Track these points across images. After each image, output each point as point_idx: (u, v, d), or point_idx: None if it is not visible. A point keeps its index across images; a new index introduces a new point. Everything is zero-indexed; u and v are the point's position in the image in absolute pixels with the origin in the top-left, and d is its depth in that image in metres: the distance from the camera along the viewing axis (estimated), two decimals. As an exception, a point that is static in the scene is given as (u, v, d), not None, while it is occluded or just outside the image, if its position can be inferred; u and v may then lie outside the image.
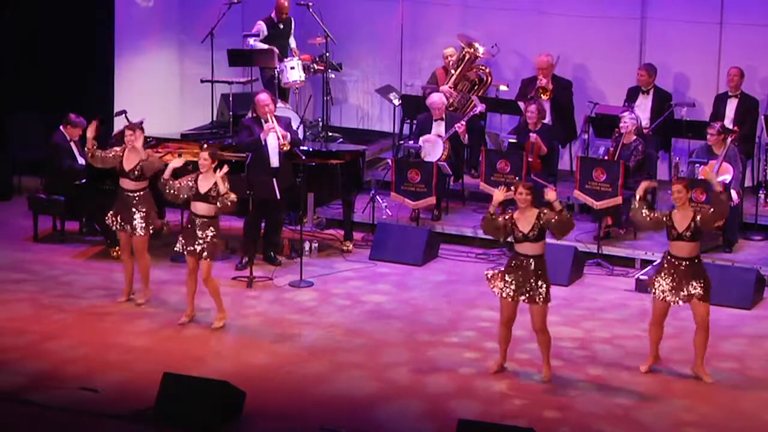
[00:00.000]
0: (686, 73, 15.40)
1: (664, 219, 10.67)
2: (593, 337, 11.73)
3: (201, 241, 11.55)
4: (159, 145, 14.24)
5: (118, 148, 12.20)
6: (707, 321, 10.65)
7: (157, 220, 12.31)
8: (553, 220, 10.53)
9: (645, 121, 14.64)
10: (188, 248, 11.61)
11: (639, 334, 11.79)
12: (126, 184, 12.13)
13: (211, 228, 11.60)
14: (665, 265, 10.71)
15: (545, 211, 10.55)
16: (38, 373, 10.70)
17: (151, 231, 12.15)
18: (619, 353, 11.37)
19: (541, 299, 10.55)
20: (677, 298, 10.62)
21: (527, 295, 10.53)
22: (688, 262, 10.61)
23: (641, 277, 12.93)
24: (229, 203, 11.54)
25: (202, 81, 15.74)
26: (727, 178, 13.22)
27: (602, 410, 10.23)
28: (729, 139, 13.49)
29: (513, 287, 10.54)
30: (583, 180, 13.57)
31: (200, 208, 11.62)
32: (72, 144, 14.09)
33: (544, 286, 10.54)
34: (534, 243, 10.54)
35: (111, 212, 12.17)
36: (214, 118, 16.05)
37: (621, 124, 13.85)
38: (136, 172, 12.06)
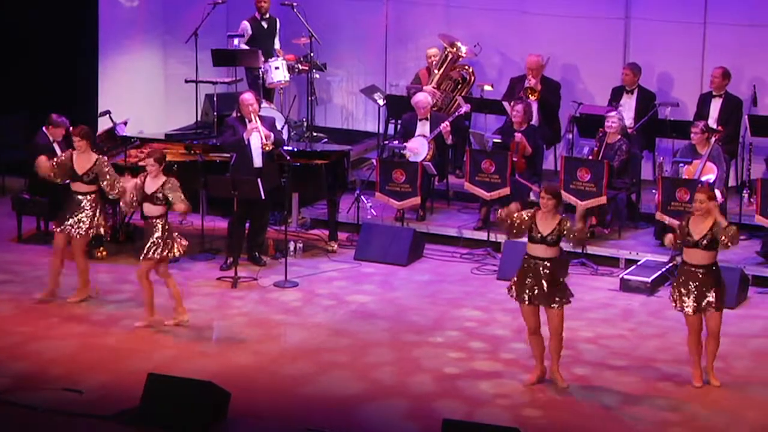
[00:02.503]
0: (670, 73, 15.42)
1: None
2: (577, 336, 11.72)
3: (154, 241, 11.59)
4: (143, 146, 14.22)
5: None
6: (718, 330, 10.61)
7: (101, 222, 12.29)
8: (574, 234, 10.49)
9: (629, 121, 14.66)
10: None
11: (623, 334, 11.82)
12: (78, 187, 12.16)
13: (159, 227, 11.59)
14: (682, 276, 10.61)
15: (568, 222, 10.47)
16: (22, 374, 10.66)
17: (92, 233, 12.17)
18: (604, 353, 11.37)
19: (557, 304, 10.49)
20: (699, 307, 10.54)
21: (547, 298, 10.46)
22: (704, 270, 10.52)
23: (626, 277, 12.95)
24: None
25: (186, 81, 15.71)
26: (711, 177, 13.25)
27: (587, 410, 10.23)
28: (713, 139, 13.51)
29: (529, 293, 10.49)
30: (567, 180, 13.57)
31: (148, 209, 11.64)
32: (55, 144, 14.03)
33: (557, 289, 10.48)
34: (550, 246, 10.45)
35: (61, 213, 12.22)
36: (199, 119, 16.02)
37: (607, 124, 13.86)
38: (89, 175, 12.10)
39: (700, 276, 10.48)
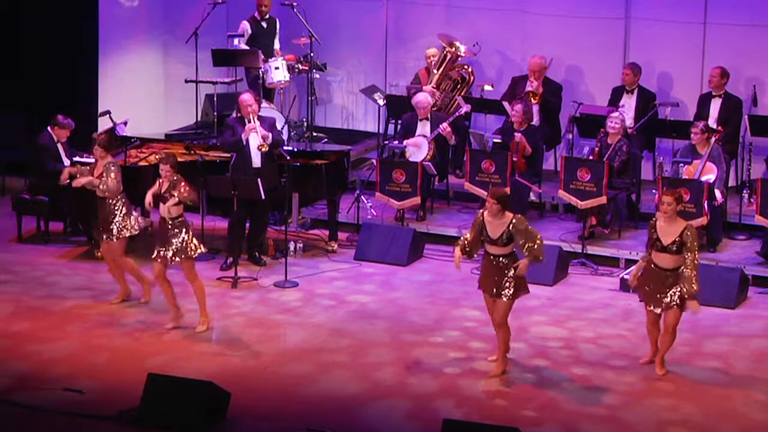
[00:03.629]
0: (670, 73, 15.41)
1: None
2: (578, 336, 11.74)
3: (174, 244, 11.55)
4: (143, 146, 14.22)
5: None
6: (675, 325, 10.75)
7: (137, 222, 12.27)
8: (529, 250, 10.53)
9: (629, 121, 14.65)
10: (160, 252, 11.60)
11: (623, 334, 11.81)
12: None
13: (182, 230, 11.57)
14: (650, 277, 10.73)
15: (522, 225, 10.54)
16: (22, 375, 10.67)
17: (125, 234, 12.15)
18: (604, 353, 11.38)
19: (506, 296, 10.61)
20: (659, 308, 10.73)
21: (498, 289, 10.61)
22: (672, 273, 10.62)
23: (625, 277, 12.94)
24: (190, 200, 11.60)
25: (186, 81, 15.70)
26: (711, 177, 13.25)
27: (587, 410, 10.24)
28: (713, 139, 13.51)
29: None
30: (567, 180, 13.56)
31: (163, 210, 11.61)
32: (59, 145, 14.05)
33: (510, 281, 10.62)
34: (503, 246, 10.56)
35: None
36: (199, 119, 16.02)
37: (609, 124, 13.86)
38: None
39: (669, 279, 10.61)
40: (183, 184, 11.48)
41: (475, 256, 10.94)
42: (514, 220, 10.52)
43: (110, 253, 12.18)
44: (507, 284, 10.61)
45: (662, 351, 10.86)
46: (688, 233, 10.53)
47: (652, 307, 10.79)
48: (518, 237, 10.50)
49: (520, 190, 14.01)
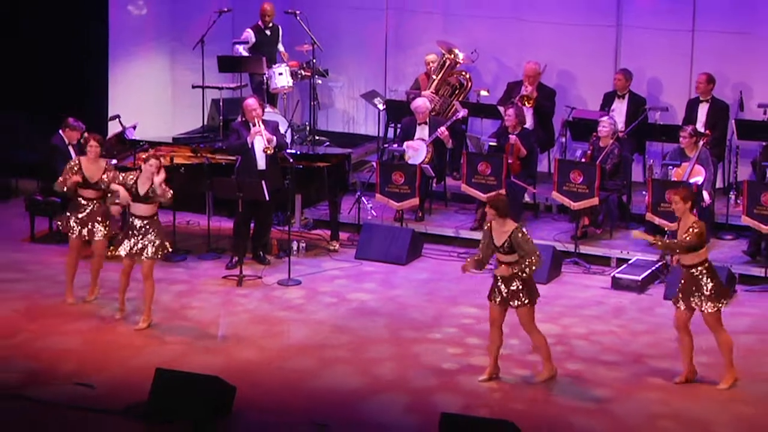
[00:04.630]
0: (660, 79, 15.40)
1: None
2: (571, 333, 11.72)
3: (141, 242, 11.51)
4: (152, 149, 14.17)
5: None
6: (710, 325, 10.49)
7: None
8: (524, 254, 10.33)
9: (620, 125, 14.63)
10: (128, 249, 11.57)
11: (614, 330, 11.79)
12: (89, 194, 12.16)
13: (152, 229, 11.56)
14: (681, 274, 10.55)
15: (520, 234, 10.28)
16: (34, 370, 10.63)
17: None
18: (596, 348, 11.35)
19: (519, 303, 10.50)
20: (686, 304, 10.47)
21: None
22: (690, 269, 10.39)
23: (617, 275, 12.93)
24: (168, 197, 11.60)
25: (193, 87, 15.68)
26: (699, 179, 13.23)
27: (579, 403, 10.21)
28: (701, 142, 13.49)
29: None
30: (560, 182, 13.55)
31: (140, 209, 11.59)
32: (70, 147, 14.02)
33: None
34: (506, 255, 10.39)
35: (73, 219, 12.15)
36: (205, 123, 15.99)
37: (599, 128, 13.85)
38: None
39: (690, 276, 10.41)
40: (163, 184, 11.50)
41: (485, 266, 10.67)
42: (513, 231, 10.32)
43: (102, 251, 12.21)
44: (520, 292, 10.37)
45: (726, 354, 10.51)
46: (695, 227, 10.31)
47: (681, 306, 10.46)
48: (518, 249, 10.31)
49: (516, 192, 13.98)
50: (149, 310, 11.60)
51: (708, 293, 10.32)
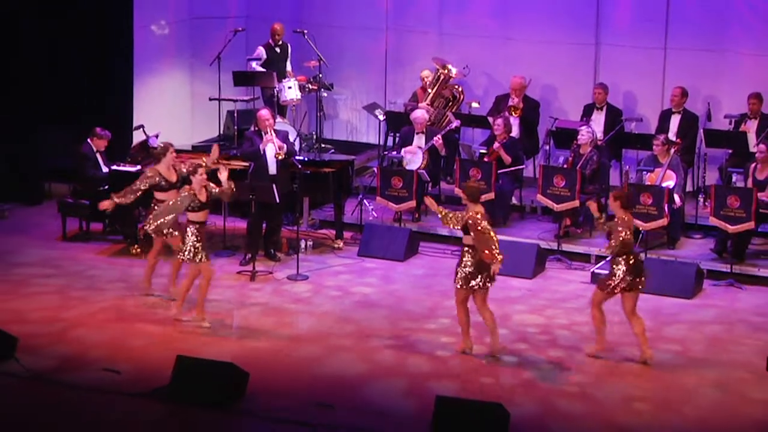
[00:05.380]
0: (635, 92, 15.43)
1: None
2: (554, 323, 11.75)
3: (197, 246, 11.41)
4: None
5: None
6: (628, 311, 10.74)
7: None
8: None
9: (599, 134, 14.66)
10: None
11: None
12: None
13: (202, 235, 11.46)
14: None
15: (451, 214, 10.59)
16: (66, 357, 10.68)
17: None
18: (576, 337, 11.38)
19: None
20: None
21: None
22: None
23: (596, 271, 12.96)
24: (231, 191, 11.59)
25: (210, 99, 15.70)
26: (671, 183, 13.26)
27: (562, 387, 10.25)
28: (672, 150, 13.52)
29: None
30: (545, 186, 13.59)
31: (197, 216, 11.44)
32: (97, 154, 14.06)
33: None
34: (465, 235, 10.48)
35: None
36: (221, 132, 16.03)
37: (579, 137, 13.89)
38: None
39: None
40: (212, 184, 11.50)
41: (441, 213, 10.86)
42: (471, 214, 10.42)
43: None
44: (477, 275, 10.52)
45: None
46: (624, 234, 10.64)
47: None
48: (473, 232, 10.41)
49: (504, 195, 14.02)
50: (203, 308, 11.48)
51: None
